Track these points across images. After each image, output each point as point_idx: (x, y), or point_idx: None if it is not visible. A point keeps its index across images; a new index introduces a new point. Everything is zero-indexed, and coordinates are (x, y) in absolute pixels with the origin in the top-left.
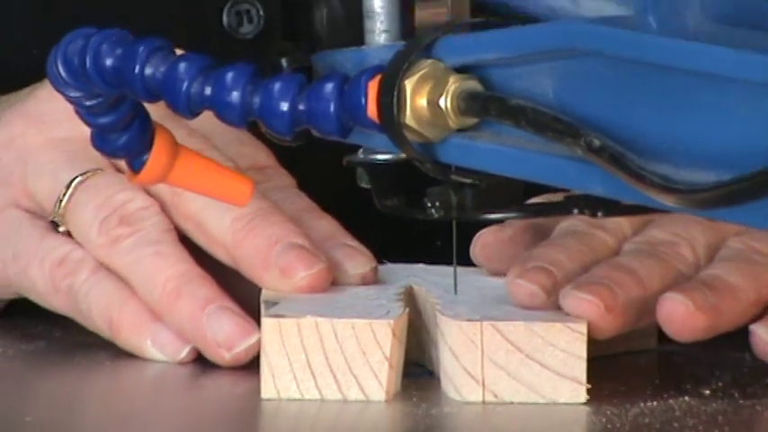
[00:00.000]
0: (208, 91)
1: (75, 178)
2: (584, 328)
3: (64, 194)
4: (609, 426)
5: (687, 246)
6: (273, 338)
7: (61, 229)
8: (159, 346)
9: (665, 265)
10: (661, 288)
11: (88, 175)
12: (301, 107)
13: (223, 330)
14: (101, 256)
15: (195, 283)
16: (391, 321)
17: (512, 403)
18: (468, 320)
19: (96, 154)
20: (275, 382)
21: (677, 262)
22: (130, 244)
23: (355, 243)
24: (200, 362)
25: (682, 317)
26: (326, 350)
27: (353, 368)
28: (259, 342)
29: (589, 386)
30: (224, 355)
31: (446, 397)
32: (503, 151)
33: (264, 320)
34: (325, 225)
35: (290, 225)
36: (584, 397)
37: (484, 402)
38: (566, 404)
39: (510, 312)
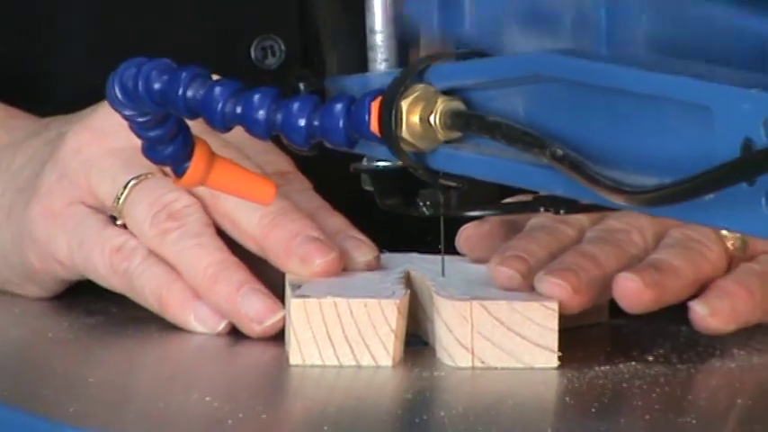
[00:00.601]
0: (238, 110)
1: (130, 180)
2: (555, 306)
3: (121, 194)
4: (570, 386)
5: (638, 233)
6: (300, 315)
7: (119, 222)
8: (200, 321)
9: (619, 250)
10: (617, 269)
11: (141, 178)
12: (315, 123)
13: (254, 308)
14: (152, 245)
15: (231, 269)
16: (397, 301)
17: (496, 368)
18: (461, 300)
19: (147, 161)
20: (301, 351)
21: (630, 247)
22: (177, 236)
23: (361, 236)
24: (235, 335)
25: (633, 292)
26: (343, 324)
27: (365, 339)
28: (284, 318)
29: (560, 354)
30: (255, 328)
31: (441, 363)
32: (482, 160)
33: (293, 300)
34: (336, 221)
35: (308, 221)
36: (556, 363)
37: (473, 367)
38: (540, 368)
39: (494, 293)
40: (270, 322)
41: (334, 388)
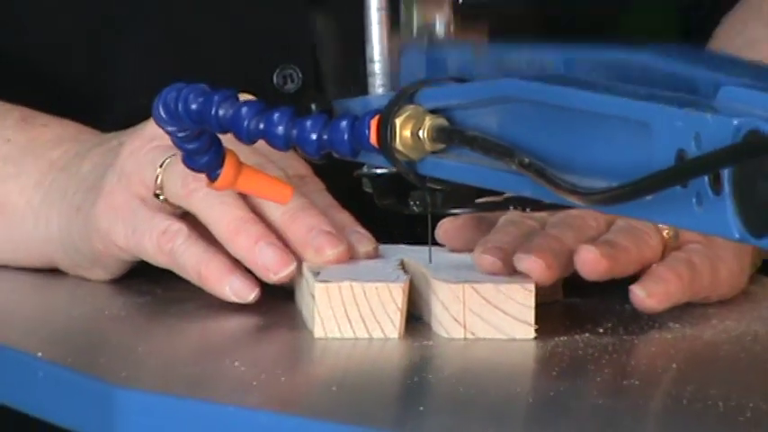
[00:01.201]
0: (261, 126)
1: (165, 160)
2: (533, 288)
3: (159, 171)
4: (536, 354)
5: (592, 218)
6: (323, 296)
7: (161, 197)
8: (234, 292)
9: (578, 232)
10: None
11: (172, 157)
12: (325, 137)
13: (270, 259)
14: (183, 203)
15: (249, 224)
16: (401, 284)
17: (484, 339)
18: (455, 283)
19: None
20: (324, 326)
21: (586, 229)
22: (203, 194)
23: (362, 230)
24: (267, 313)
25: (592, 262)
26: (358, 304)
27: (376, 316)
28: (294, 270)
29: (536, 327)
30: (271, 277)
31: (438, 335)
32: (462, 167)
33: (316, 285)
34: (344, 217)
35: (321, 216)
36: (533, 335)
37: (465, 339)
38: (520, 339)
39: (480, 277)
40: (284, 273)
41: (348, 356)
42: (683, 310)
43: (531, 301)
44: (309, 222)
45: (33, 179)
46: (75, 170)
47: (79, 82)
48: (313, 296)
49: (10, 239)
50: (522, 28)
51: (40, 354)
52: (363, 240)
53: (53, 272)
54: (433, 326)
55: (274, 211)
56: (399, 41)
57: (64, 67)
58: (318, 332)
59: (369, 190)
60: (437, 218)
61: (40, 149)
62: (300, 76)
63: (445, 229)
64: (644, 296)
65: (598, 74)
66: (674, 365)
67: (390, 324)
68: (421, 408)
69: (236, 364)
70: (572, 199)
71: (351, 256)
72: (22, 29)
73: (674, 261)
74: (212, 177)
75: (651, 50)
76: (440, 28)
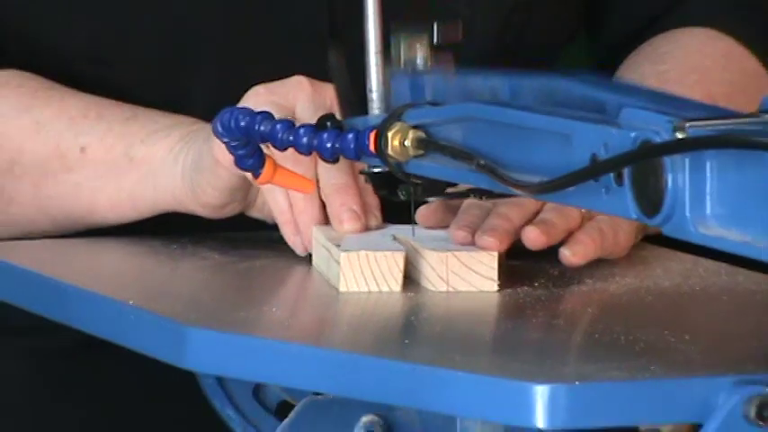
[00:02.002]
0: (291, 138)
1: None
2: (496, 254)
3: None
4: (492, 302)
5: (531, 203)
6: (346, 262)
7: None
8: (294, 245)
9: (522, 209)
10: (522, 223)
11: None
12: (337, 145)
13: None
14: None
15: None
16: (402, 253)
17: (460, 291)
18: (441, 251)
19: None
20: (346, 283)
21: (529, 205)
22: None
23: (378, 214)
24: (303, 273)
25: (534, 237)
26: (371, 267)
27: (384, 275)
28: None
29: (499, 283)
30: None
31: (426, 289)
32: (437, 167)
33: (342, 253)
34: (371, 200)
35: (356, 196)
36: (496, 288)
37: (447, 292)
38: (485, 291)
39: (457, 246)
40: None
41: (366, 301)
42: (595, 270)
43: (495, 264)
44: (344, 199)
45: (177, 137)
46: (163, 134)
47: (152, 84)
48: (338, 261)
49: (154, 187)
50: (481, 60)
51: (131, 301)
52: (373, 220)
53: (146, 246)
54: (422, 282)
55: (326, 181)
56: (391, 73)
57: (146, 92)
58: (342, 287)
59: (368, 184)
60: (418, 204)
61: (183, 124)
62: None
63: (422, 213)
64: (569, 255)
65: (535, 95)
66: (589, 310)
67: (393, 281)
68: (406, 341)
69: (274, 309)
70: (516, 190)
71: (363, 229)
72: (110, 63)
73: (589, 228)
74: (256, 175)
75: (576, 78)
76: (420, 61)
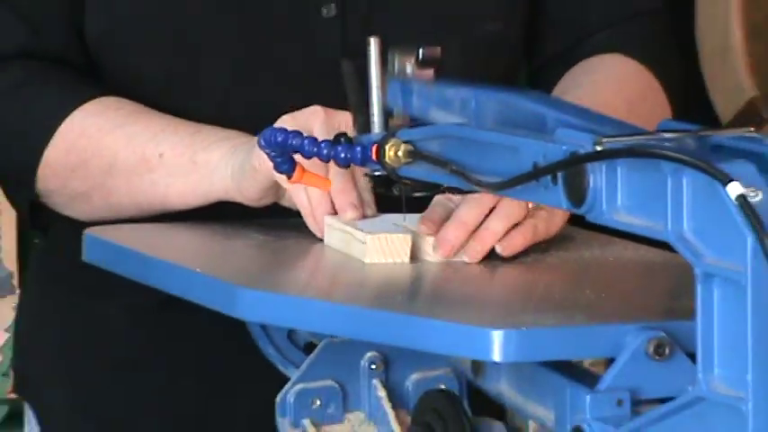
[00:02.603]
0: (315, 150)
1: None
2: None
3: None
4: (468, 272)
5: (490, 197)
6: (373, 241)
7: None
8: (316, 231)
9: (481, 207)
10: (476, 222)
11: None
12: (348, 155)
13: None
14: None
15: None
16: (410, 235)
17: (449, 261)
18: (432, 236)
19: None
20: (371, 256)
21: (486, 203)
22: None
23: (374, 208)
24: (320, 249)
25: (472, 254)
26: (389, 244)
27: (398, 250)
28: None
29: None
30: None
31: (425, 260)
32: (422, 171)
33: (368, 235)
34: (368, 196)
35: (354, 193)
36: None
37: (438, 262)
38: (469, 263)
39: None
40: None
41: (384, 267)
42: (538, 247)
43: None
44: (345, 197)
45: (228, 148)
46: (216, 147)
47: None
48: (362, 241)
49: (211, 183)
50: (456, 73)
51: (198, 269)
52: (369, 210)
53: (207, 228)
54: (420, 255)
55: (334, 183)
56: (387, 79)
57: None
58: (367, 260)
59: (370, 182)
60: (407, 197)
61: (233, 138)
62: (334, 10)
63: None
64: (500, 249)
65: (494, 107)
66: (533, 276)
67: (404, 254)
68: (399, 297)
69: (302, 275)
70: (478, 188)
71: (361, 217)
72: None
73: (524, 226)
74: (288, 177)
75: (526, 95)
76: (409, 71)
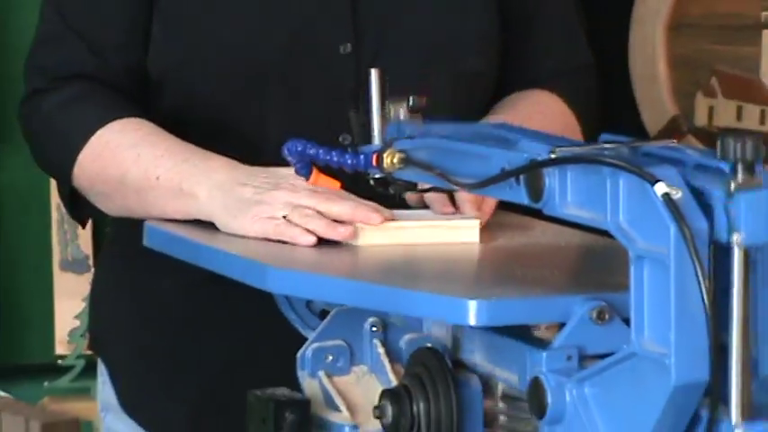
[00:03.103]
0: (327, 158)
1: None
2: (476, 222)
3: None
4: (455, 253)
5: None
6: (425, 230)
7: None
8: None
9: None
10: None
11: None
12: (354, 162)
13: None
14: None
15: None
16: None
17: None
18: (448, 221)
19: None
20: (362, 237)
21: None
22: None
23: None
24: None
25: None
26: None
27: (411, 235)
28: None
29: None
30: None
31: (417, 243)
32: (413, 174)
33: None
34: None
35: (368, 205)
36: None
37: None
38: (466, 243)
39: (444, 217)
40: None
41: (375, 252)
42: (501, 234)
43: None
44: (366, 208)
45: (213, 185)
46: (230, 181)
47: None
48: (467, 227)
49: (198, 211)
50: (445, 100)
51: (234, 251)
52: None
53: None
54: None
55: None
56: (386, 124)
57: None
58: (360, 240)
59: (372, 184)
60: (400, 195)
61: (214, 169)
62: (350, 48)
63: (409, 196)
64: (479, 215)
65: (470, 134)
66: (499, 258)
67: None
68: (395, 274)
69: (318, 256)
70: (458, 187)
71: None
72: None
73: (485, 205)
74: (306, 179)
75: (492, 125)
76: (402, 115)
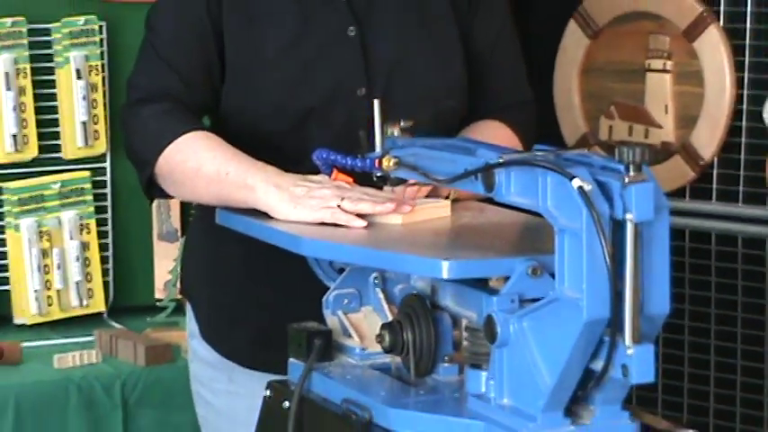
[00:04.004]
0: (343, 161)
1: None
2: (448, 203)
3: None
4: (434, 228)
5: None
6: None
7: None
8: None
9: (435, 191)
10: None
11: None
12: (362, 164)
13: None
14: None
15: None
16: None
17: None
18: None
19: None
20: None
21: (442, 192)
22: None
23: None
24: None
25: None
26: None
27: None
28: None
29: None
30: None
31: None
32: (405, 173)
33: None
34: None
35: (377, 198)
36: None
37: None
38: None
39: (426, 200)
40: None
41: (380, 228)
42: (466, 216)
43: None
44: (375, 200)
45: (265, 179)
46: (294, 178)
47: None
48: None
49: (255, 200)
50: (429, 129)
51: (278, 227)
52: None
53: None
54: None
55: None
56: (384, 138)
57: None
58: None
59: (375, 179)
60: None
61: (267, 171)
62: (365, 91)
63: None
64: (455, 194)
65: (446, 147)
66: (464, 232)
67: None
68: (391, 242)
69: (339, 233)
70: (436, 183)
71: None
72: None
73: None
74: (329, 176)
75: (461, 139)
76: (396, 132)
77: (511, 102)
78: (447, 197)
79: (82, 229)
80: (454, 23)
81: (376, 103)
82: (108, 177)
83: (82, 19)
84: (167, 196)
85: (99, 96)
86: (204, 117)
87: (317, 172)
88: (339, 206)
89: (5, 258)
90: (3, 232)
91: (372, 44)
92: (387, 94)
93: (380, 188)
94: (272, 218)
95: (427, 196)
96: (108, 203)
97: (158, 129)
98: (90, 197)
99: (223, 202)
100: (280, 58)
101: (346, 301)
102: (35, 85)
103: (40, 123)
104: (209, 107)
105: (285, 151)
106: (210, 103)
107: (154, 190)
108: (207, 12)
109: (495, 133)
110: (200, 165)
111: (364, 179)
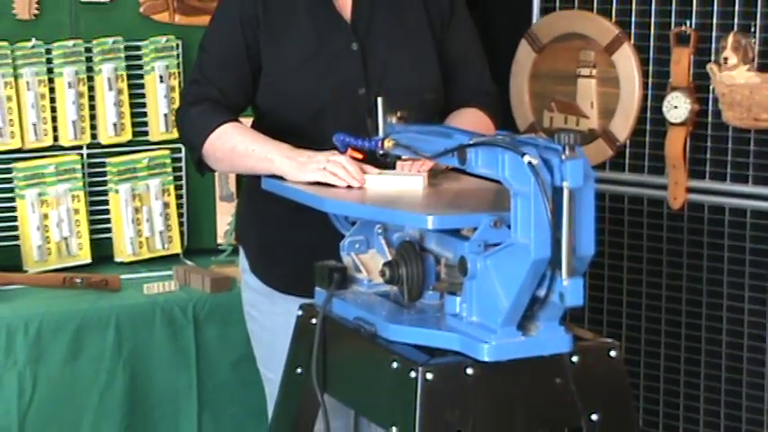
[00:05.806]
0: (354, 143)
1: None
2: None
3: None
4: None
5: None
6: (420, 181)
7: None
8: (353, 182)
9: (426, 163)
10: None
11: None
12: (369, 144)
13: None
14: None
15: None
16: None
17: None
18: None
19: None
20: (369, 183)
21: (428, 163)
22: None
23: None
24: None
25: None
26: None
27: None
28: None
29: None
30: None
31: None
32: (401, 151)
33: (419, 177)
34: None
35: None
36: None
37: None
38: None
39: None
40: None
41: (381, 193)
42: (444, 182)
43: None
44: (360, 169)
45: (285, 155)
46: (294, 152)
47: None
48: (417, 181)
49: (276, 170)
50: (414, 118)
51: (310, 191)
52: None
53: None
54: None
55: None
56: (386, 125)
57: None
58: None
59: (379, 156)
60: (393, 163)
61: (285, 149)
62: (364, 90)
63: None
64: (423, 168)
65: (427, 130)
66: (444, 194)
67: (419, 186)
68: (389, 202)
69: (352, 194)
70: (423, 157)
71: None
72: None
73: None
74: (343, 153)
75: (442, 126)
76: (394, 121)
77: (480, 92)
78: (430, 170)
79: (164, 193)
80: (431, 38)
81: (379, 100)
82: (183, 155)
83: (164, 38)
84: (212, 171)
85: (176, 95)
86: (239, 113)
87: (327, 150)
88: (325, 168)
89: (109, 214)
90: (107, 195)
91: (369, 56)
92: (380, 91)
93: (393, 163)
94: (286, 180)
95: (429, 169)
96: (183, 174)
97: (203, 122)
98: (170, 169)
99: (251, 171)
100: (301, 68)
101: (357, 245)
102: (129, 87)
103: (133, 115)
104: (242, 107)
105: (305, 136)
106: (243, 104)
107: (202, 166)
108: (243, 38)
109: (474, 116)
110: (234, 145)
111: (371, 156)
